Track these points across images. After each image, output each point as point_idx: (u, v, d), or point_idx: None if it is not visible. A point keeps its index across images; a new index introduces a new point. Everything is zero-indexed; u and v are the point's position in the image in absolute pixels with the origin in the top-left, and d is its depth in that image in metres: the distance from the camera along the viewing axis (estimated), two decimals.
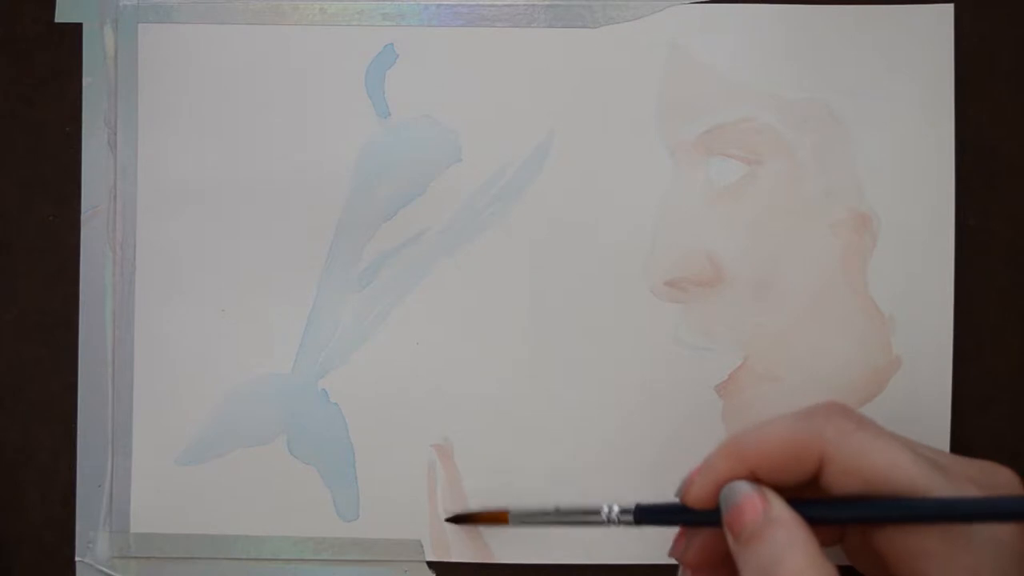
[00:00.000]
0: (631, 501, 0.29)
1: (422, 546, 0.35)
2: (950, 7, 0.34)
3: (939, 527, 0.25)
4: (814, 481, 0.26)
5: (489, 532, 0.35)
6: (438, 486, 0.35)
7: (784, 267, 0.34)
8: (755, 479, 0.26)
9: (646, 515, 0.29)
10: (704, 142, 0.34)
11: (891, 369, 0.34)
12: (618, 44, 0.35)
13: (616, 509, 0.29)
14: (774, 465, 0.26)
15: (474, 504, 0.34)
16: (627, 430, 0.34)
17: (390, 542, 0.35)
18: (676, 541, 0.30)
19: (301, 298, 0.35)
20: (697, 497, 0.27)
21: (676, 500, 0.28)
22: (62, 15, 0.35)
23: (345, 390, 0.35)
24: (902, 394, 0.34)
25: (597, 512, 0.29)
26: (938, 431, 0.34)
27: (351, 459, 0.35)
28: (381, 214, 0.35)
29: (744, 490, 0.26)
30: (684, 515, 0.28)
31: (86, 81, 0.35)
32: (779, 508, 0.25)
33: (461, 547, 0.35)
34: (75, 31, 0.35)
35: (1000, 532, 0.25)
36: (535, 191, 0.35)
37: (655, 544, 0.34)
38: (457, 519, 0.34)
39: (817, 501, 0.26)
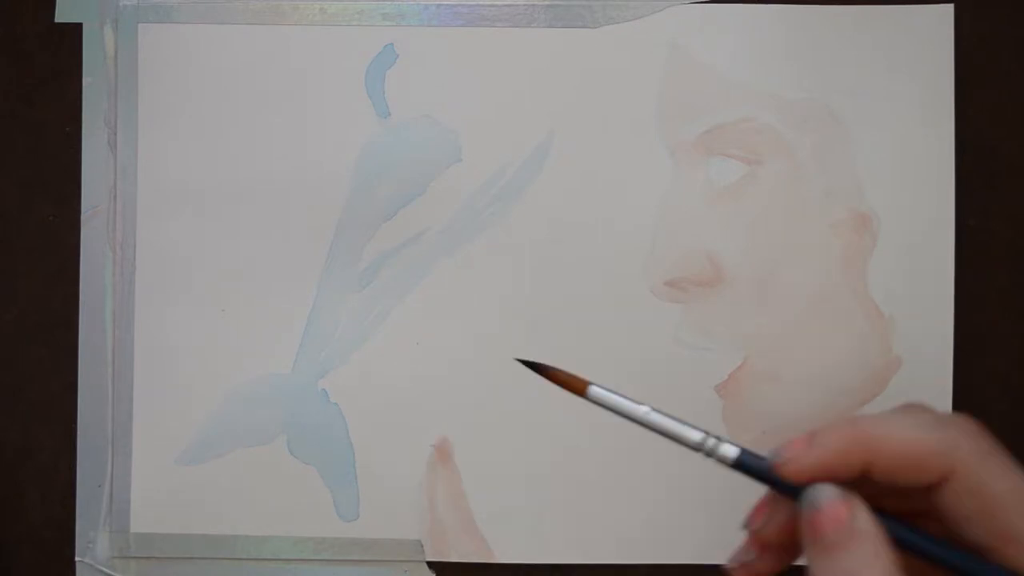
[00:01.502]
0: (731, 442, 0.26)
1: (422, 546, 0.35)
2: (950, 7, 0.34)
3: None
4: (927, 491, 0.25)
5: (489, 532, 0.34)
6: (438, 486, 0.35)
7: (784, 267, 0.34)
8: (865, 475, 0.25)
9: (747, 466, 0.25)
10: (704, 142, 0.34)
11: (891, 369, 0.34)
12: (618, 44, 0.35)
13: (716, 444, 0.25)
14: (894, 465, 0.24)
15: (474, 503, 0.34)
16: (627, 429, 0.34)
17: (390, 542, 0.35)
18: (756, 511, 0.27)
19: (301, 298, 0.35)
20: (796, 472, 0.25)
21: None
22: (62, 15, 0.35)
23: (345, 390, 0.35)
24: (902, 394, 0.34)
25: (694, 435, 0.25)
26: None
27: (351, 459, 0.35)
28: (381, 214, 0.35)
29: (831, 495, 0.24)
30: (786, 487, 0.25)
31: (86, 81, 0.35)
32: (864, 521, 0.24)
33: (461, 547, 0.35)
34: (75, 31, 0.35)
35: None
36: (535, 191, 0.35)
37: (655, 544, 0.34)
38: (531, 365, 0.29)
39: (905, 525, 0.25)
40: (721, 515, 0.34)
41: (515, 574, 0.35)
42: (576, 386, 0.27)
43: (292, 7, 0.35)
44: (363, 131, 0.35)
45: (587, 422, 0.34)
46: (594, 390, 0.27)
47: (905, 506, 0.26)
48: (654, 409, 0.26)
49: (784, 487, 0.25)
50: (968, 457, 0.24)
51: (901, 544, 0.24)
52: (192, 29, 0.35)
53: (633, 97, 0.35)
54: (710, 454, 0.25)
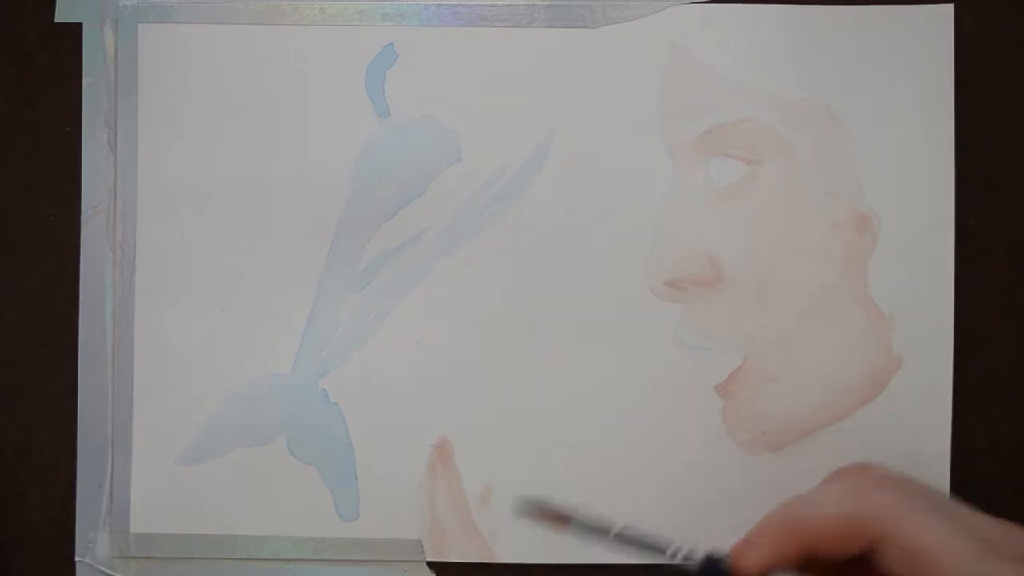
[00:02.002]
0: (699, 547, 0.28)
1: (422, 546, 0.35)
2: (950, 7, 0.34)
3: None
4: (867, 555, 0.26)
5: (489, 532, 0.35)
6: (438, 486, 0.35)
7: (784, 267, 0.34)
8: (806, 554, 0.26)
9: (712, 568, 0.28)
10: (704, 142, 0.34)
11: (891, 369, 0.34)
12: (618, 44, 0.35)
13: (681, 554, 0.28)
14: (827, 543, 0.26)
15: (474, 503, 0.34)
16: (627, 429, 0.34)
17: (390, 542, 0.35)
18: None
19: (301, 298, 0.35)
20: (752, 569, 0.27)
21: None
22: (62, 15, 0.35)
23: (345, 390, 0.35)
24: (902, 394, 0.34)
25: (662, 551, 0.28)
26: (938, 431, 0.34)
27: (351, 459, 0.35)
28: (381, 214, 0.35)
29: None
30: None
31: (86, 81, 0.35)
32: None
33: (461, 547, 0.35)
34: (75, 31, 0.35)
35: None
36: (535, 191, 0.35)
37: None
38: (529, 510, 0.30)
39: None
40: (721, 516, 0.34)
41: (515, 574, 0.35)
42: (561, 521, 0.29)
43: (292, 7, 0.35)
44: (363, 131, 0.35)
45: (587, 422, 0.34)
46: (576, 521, 0.29)
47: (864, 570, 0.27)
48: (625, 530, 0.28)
49: None
50: (893, 522, 0.25)
51: None
52: (192, 29, 0.35)
53: (633, 97, 0.35)
54: (681, 565, 0.28)
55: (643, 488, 0.34)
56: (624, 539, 0.28)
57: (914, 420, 0.34)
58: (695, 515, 0.34)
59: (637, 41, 0.35)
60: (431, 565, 0.35)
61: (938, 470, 0.34)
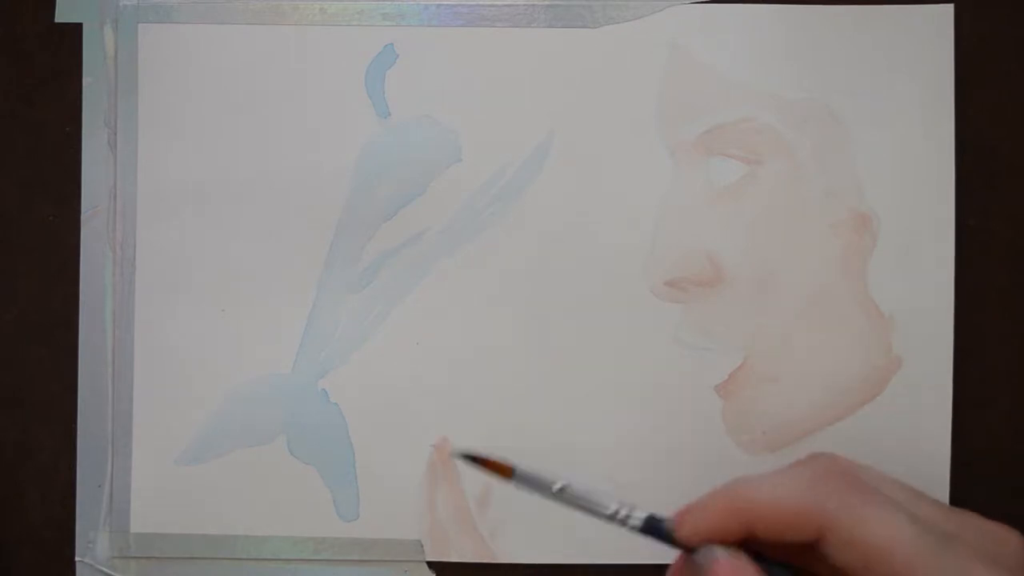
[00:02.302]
0: (641, 508, 0.28)
1: (422, 546, 0.35)
2: (950, 7, 0.34)
3: None
4: (815, 545, 0.26)
5: (489, 532, 0.35)
6: (438, 486, 0.35)
7: (784, 267, 0.34)
8: (750, 532, 0.26)
9: (654, 530, 0.28)
10: (704, 142, 0.34)
11: (891, 369, 0.34)
12: (618, 44, 0.35)
13: (625, 511, 0.27)
14: (771, 526, 0.26)
15: (474, 503, 0.34)
16: (627, 429, 0.34)
17: (390, 542, 0.35)
18: (672, 569, 0.29)
19: (301, 298, 0.35)
20: (686, 538, 0.27)
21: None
22: (62, 15, 0.35)
23: (345, 390, 0.35)
24: (902, 394, 0.34)
25: (607, 506, 0.27)
26: (938, 431, 0.34)
27: (351, 459, 0.35)
28: (381, 214, 0.35)
29: (715, 554, 0.26)
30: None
31: (86, 81, 0.35)
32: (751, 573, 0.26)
33: (461, 547, 0.35)
34: (75, 31, 0.35)
35: None
36: (535, 191, 0.35)
37: (657, 544, 0.34)
38: (466, 457, 0.30)
39: (787, 568, 0.26)
40: None
41: (515, 574, 0.35)
42: (504, 472, 0.29)
43: (292, 7, 0.35)
44: (363, 131, 0.35)
45: (587, 422, 0.34)
46: (519, 471, 0.29)
47: (810, 558, 0.26)
48: (566, 486, 0.28)
49: (687, 548, 0.27)
50: (839, 512, 0.25)
51: None
52: (192, 29, 0.35)
53: (633, 97, 0.35)
54: (623, 523, 0.27)
55: (643, 488, 0.34)
56: (565, 497, 0.28)
57: (914, 420, 0.34)
58: None
59: (637, 41, 0.35)
60: (431, 565, 0.35)
61: (938, 470, 0.34)
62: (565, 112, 0.35)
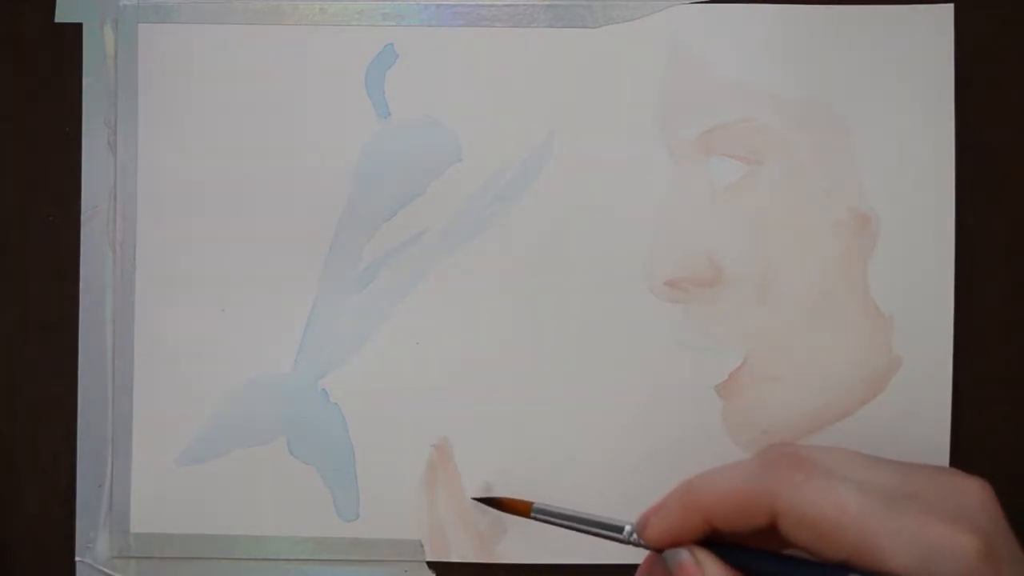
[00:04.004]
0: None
1: (422, 546, 0.35)
2: (950, 7, 0.34)
3: None
4: (772, 528, 0.26)
5: (489, 532, 0.35)
6: (438, 486, 0.35)
7: (784, 267, 0.34)
8: (708, 527, 0.27)
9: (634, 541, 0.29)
10: (704, 142, 0.34)
11: (891, 369, 0.34)
12: (618, 44, 0.35)
13: (636, 533, 0.29)
14: (725, 516, 0.26)
15: (475, 505, 0.34)
16: (627, 430, 0.34)
17: (390, 542, 0.35)
18: (641, 570, 0.30)
19: (301, 298, 0.35)
20: (653, 539, 0.28)
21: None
22: (62, 15, 0.35)
23: (345, 390, 0.35)
24: (902, 394, 0.34)
25: (620, 529, 0.29)
26: (938, 431, 0.34)
27: (351, 459, 0.35)
28: (381, 214, 0.35)
29: (680, 557, 0.27)
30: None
31: (86, 81, 0.35)
32: (712, 569, 0.26)
33: (461, 547, 0.35)
34: (75, 31, 0.35)
35: None
36: (535, 191, 0.35)
37: None
38: (483, 501, 0.34)
39: (762, 554, 0.27)
40: None
41: (515, 574, 0.35)
42: (523, 509, 0.32)
43: (292, 7, 0.35)
44: (363, 131, 0.35)
45: (587, 422, 0.34)
46: (537, 508, 0.32)
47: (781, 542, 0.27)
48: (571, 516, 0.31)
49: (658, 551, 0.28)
50: (784, 493, 0.25)
51: (759, 572, 0.27)
52: (192, 29, 0.35)
53: (633, 97, 0.35)
54: (631, 542, 0.29)
55: (643, 488, 0.34)
56: (584, 523, 0.30)
57: (914, 420, 0.34)
58: None
59: (637, 41, 0.35)
60: (431, 565, 0.35)
61: None
62: (565, 112, 0.35)
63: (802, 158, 0.34)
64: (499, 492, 0.34)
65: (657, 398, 0.34)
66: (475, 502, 0.34)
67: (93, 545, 0.35)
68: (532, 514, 0.32)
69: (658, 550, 0.28)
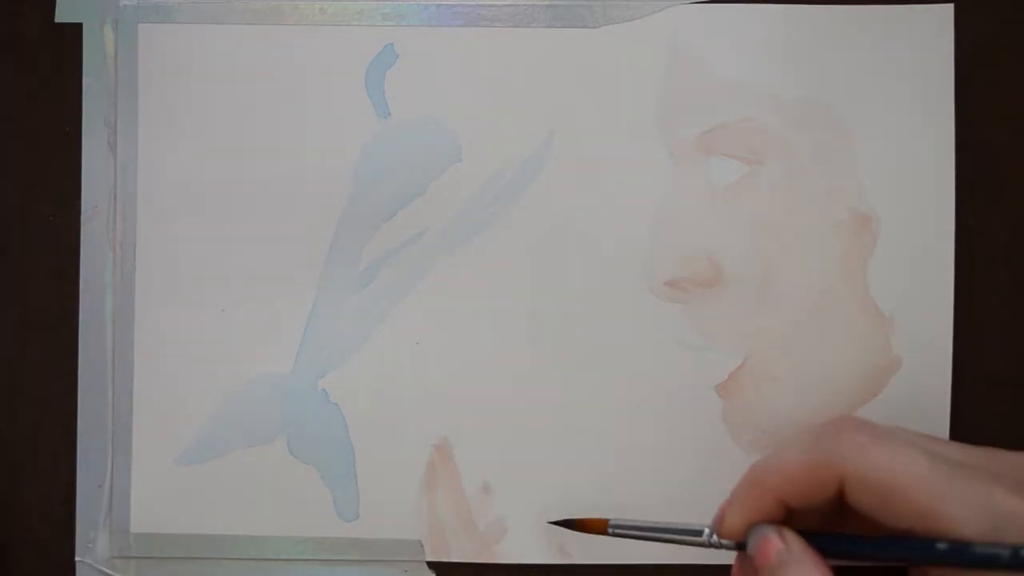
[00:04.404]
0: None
1: (422, 546, 0.35)
2: (950, 7, 0.34)
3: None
4: (840, 499, 0.26)
5: (489, 532, 0.35)
6: (438, 486, 0.35)
7: (784, 267, 0.34)
8: (782, 507, 0.27)
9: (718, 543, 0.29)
10: (704, 142, 0.34)
11: (891, 369, 0.34)
12: (618, 44, 0.35)
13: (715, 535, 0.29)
14: (796, 491, 0.26)
15: (474, 503, 0.34)
16: (627, 430, 0.34)
17: (390, 542, 0.35)
18: (734, 569, 0.30)
19: (301, 298, 0.35)
20: (730, 531, 0.28)
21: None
22: (62, 15, 0.35)
23: (345, 390, 0.35)
24: (902, 394, 0.34)
25: (699, 533, 0.29)
26: (938, 431, 0.34)
27: (351, 459, 0.35)
28: (381, 214, 0.35)
29: (763, 532, 0.27)
30: None
31: (86, 81, 0.35)
32: (795, 544, 0.26)
33: (461, 547, 0.35)
34: (75, 31, 0.35)
35: None
36: (535, 191, 0.35)
37: (657, 543, 0.34)
38: (559, 524, 0.33)
39: (838, 536, 0.27)
40: None
41: (515, 574, 0.35)
42: (599, 527, 0.31)
43: (292, 7, 0.35)
44: (363, 131, 0.35)
45: (587, 422, 0.34)
46: (613, 523, 0.31)
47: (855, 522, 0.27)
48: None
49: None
50: (852, 457, 0.26)
51: (832, 555, 0.26)
52: (192, 29, 0.35)
53: (633, 97, 0.35)
54: (714, 544, 0.29)
55: (643, 488, 0.34)
56: (662, 532, 0.30)
57: (914, 420, 0.34)
58: (695, 515, 0.34)
59: (637, 41, 0.35)
60: (431, 565, 0.35)
61: None
62: (565, 112, 0.35)
63: (802, 158, 0.34)
64: (499, 492, 0.34)
65: (657, 398, 0.34)
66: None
67: (93, 545, 0.35)
68: (609, 530, 0.31)
69: (740, 545, 0.28)
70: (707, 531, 0.29)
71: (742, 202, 0.34)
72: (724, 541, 0.29)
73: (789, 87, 0.34)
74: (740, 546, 0.28)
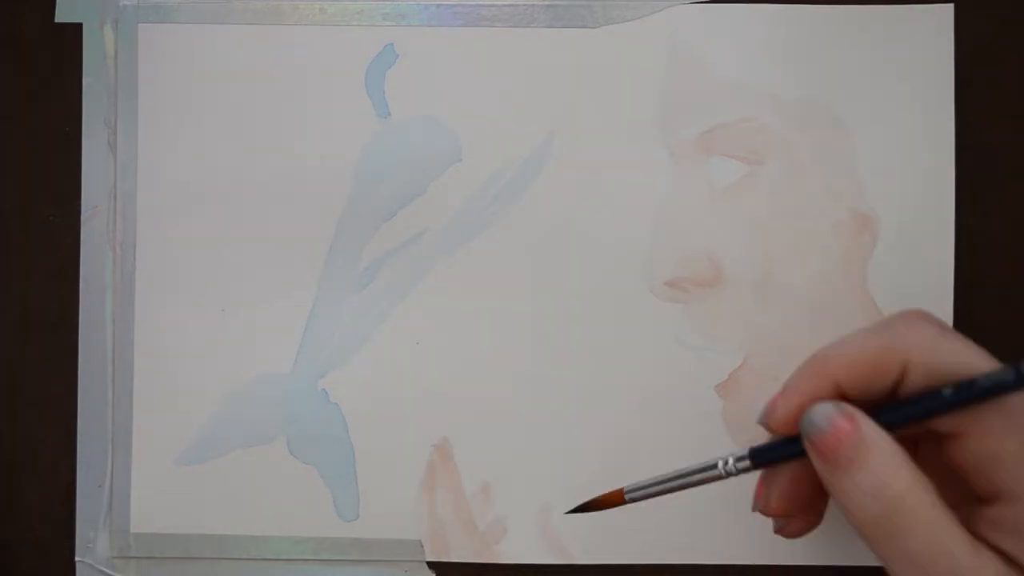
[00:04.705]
0: (742, 448, 0.28)
1: (422, 546, 0.35)
2: (950, 7, 0.34)
3: (1016, 430, 0.24)
4: (894, 391, 0.26)
5: (489, 532, 0.35)
6: (438, 486, 0.35)
7: (784, 267, 0.34)
8: (839, 396, 0.26)
9: (762, 456, 0.27)
10: (704, 142, 0.34)
11: None
12: (618, 44, 0.35)
13: (731, 460, 0.27)
14: (859, 378, 0.25)
15: (474, 503, 0.34)
16: (627, 430, 0.34)
17: (390, 542, 0.35)
18: (757, 493, 0.29)
19: (301, 298, 0.35)
20: (783, 421, 0.26)
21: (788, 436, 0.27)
22: (62, 15, 0.35)
23: (345, 390, 0.35)
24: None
25: (713, 467, 0.28)
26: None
27: (351, 459, 0.35)
28: (381, 214, 0.35)
29: (830, 413, 0.25)
30: (798, 445, 0.26)
31: (86, 81, 0.35)
32: (870, 428, 0.25)
33: (461, 547, 0.35)
34: (75, 31, 0.35)
35: None
36: (535, 191, 0.35)
37: (658, 544, 0.34)
38: (577, 509, 0.31)
39: (889, 406, 0.25)
40: (724, 514, 0.34)
41: (515, 574, 0.35)
42: (616, 499, 0.30)
43: (292, 7, 0.35)
44: (363, 131, 0.35)
45: (587, 422, 0.34)
46: (629, 492, 0.29)
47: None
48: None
49: (793, 446, 0.26)
50: (918, 343, 0.25)
51: (894, 426, 0.25)
52: (192, 29, 0.35)
53: (633, 97, 0.35)
54: (736, 472, 0.27)
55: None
56: (678, 478, 0.28)
57: None
58: (695, 515, 0.34)
59: (637, 41, 0.35)
60: (431, 565, 0.35)
61: None
62: (565, 112, 0.35)
63: (802, 158, 0.34)
64: (499, 492, 0.34)
65: (657, 398, 0.34)
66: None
67: (93, 545, 0.35)
68: (626, 497, 0.30)
69: (758, 465, 0.27)
70: (721, 463, 0.27)
71: (742, 202, 0.34)
72: (740, 466, 0.27)
73: (789, 87, 0.34)
74: (758, 465, 0.27)
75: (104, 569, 0.35)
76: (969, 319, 0.34)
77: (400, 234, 0.35)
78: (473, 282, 0.35)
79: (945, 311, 0.34)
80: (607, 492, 0.30)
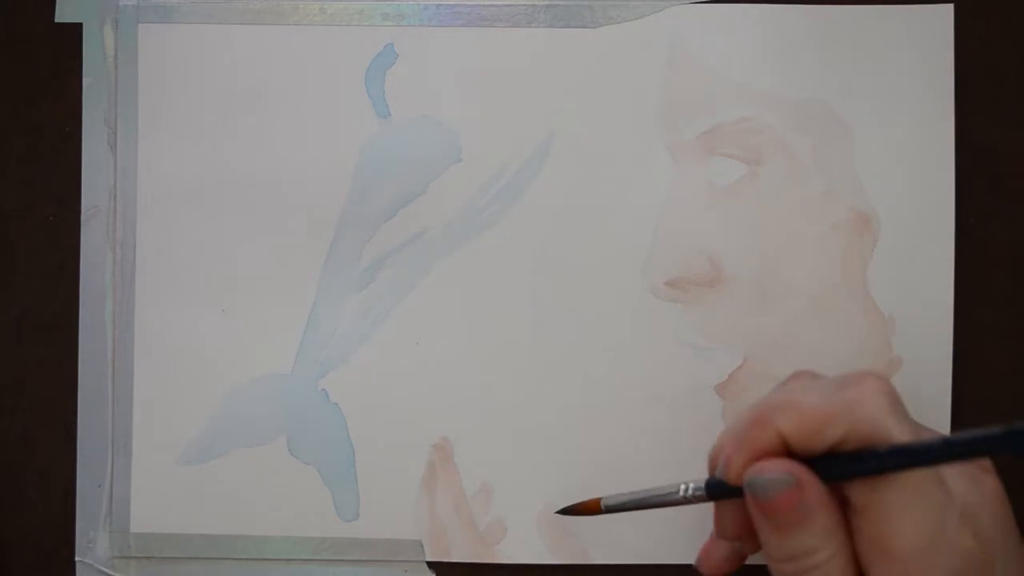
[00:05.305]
0: (702, 479, 0.29)
1: (422, 546, 0.35)
2: (950, 7, 0.34)
3: (898, 484, 0.25)
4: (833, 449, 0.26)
5: (489, 532, 0.35)
6: (438, 486, 0.35)
7: (784, 267, 0.34)
8: (784, 447, 0.26)
9: (715, 490, 0.29)
10: (704, 142, 0.34)
11: (891, 369, 0.34)
12: (618, 44, 0.35)
13: (691, 488, 0.29)
14: (804, 434, 0.26)
15: (474, 503, 0.34)
16: (627, 430, 0.34)
17: (390, 542, 0.35)
18: (716, 518, 0.30)
19: (301, 298, 0.35)
20: (737, 475, 0.27)
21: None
22: (62, 15, 0.35)
23: (345, 390, 0.35)
24: (902, 394, 0.34)
25: (675, 492, 0.29)
26: (938, 431, 0.34)
27: (351, 459, 0.35)
28: (381, 214, 0.35)
29: (777, 482, 0.26)
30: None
31: (86, 81, 0.35)
32: (811, 497, 0.26)
33: (461, 547, 0.35)
34: (75, 31, 0.35)
35: (955, 486, 0.26)
36: (535, 191, 0.35)
37: (657, 544, 0.34)
38: (564, 512, 0.33)
39: (829, 458, 0.26)
40: None
41: (515, 574, 0.35)
42: (594, 507, 0.32)
43: (292, 7, 0.35)
44: (363, 131, 0.35)
45: (587, 422, 0.34)
46: (605, 502, 0.32)
47: None
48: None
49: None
50: (867, 416, 0.26)
51: (830, 480, 0.26)
52: (192, 29, 0.35)
53: (633, 97, 0.35)
54: (689, 500, 0.29)
55: (643, 488, 0.34)
56: (644, 499, 0.30)
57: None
58: (694, 515, 0.34)
59: (637, 41, 0.35)
60: (431, 565, 0.35)
61: None
62: (565, 112, 0.35)
63: (802, 158, 0.34)
64: (499, 492, 0.34)
65: (657, 398, 0.34)
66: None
67: (93, 545, 0.35)
68: (603, 508, 0.32)
69: (713, 496, 0.28)
70: (683, 488, 0.29)
71: (742, 202, 0.34)
72: (698, 495, 0.28)
73: (789, 87, 0.34)
74: (713, 497, 0.28)
75: (104, 569, 0.35)
76: (969, 319, 0.34)
77: (400, 234, 0.35)
78: (473, 282, 0.35)
79: (945, 311, 0.34)
80: (587, 500, 0.32)
